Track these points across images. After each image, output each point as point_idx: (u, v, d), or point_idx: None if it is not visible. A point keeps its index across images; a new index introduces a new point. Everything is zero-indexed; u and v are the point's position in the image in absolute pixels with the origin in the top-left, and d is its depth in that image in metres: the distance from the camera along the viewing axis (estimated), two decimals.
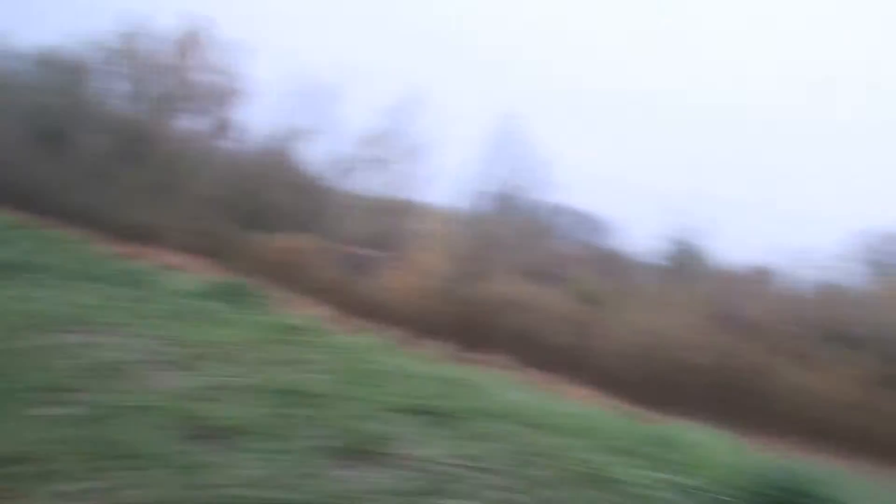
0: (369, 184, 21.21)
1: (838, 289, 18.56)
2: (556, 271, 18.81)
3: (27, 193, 20.44)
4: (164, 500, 2.51)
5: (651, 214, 19.58)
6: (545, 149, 20.29)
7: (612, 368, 17.34)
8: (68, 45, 23.83)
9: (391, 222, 20.32)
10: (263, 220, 21.28)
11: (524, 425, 4.37)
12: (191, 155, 22.39)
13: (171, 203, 21.04)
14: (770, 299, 18.12)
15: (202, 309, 7.04)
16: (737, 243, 19.51)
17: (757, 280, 18.80)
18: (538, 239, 19.50)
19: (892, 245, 20.00)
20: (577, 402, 7.46)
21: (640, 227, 20.48)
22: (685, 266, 18.81)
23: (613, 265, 19.07)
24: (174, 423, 3.30)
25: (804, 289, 18.62)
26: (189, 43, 23.70)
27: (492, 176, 20.00)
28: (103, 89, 24.14)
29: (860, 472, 14.34)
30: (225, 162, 22.67)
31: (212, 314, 6.74)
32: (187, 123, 23.89)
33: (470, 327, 18.14)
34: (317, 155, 22.49)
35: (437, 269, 19.05)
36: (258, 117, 23.74)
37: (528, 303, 18.28)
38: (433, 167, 21.67)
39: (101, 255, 13.68)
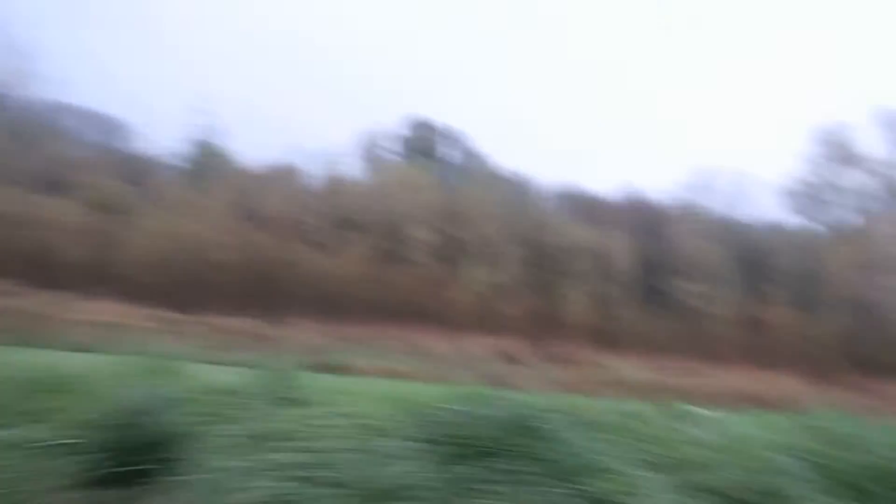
0: None
1: (345, 182, 21.52)
2: (64, 179, 16.81)
3: None
4: None
5: (173, 117, 18.93)
6: (35, 40, 17.06)
7: (140, 278, 16.80)
8: None
9: None
10: None
11: None
12: None
13: None
14: (289, 195, 19.85)
15: None
16: (258, 145, 20.65)
17: (277, 178, 20.27)
18: (37, 143, 16.76)
19: (386, 142, 24.16)
20: None
21: (161, 129, 19.45)
22: (208, 167, 18.95)
23: (133, 170, 17.92)
24: None
25: (318, 184, 20.98)
26: None
27: None
28: None
29: (367, 335, 17.54)
30: None
31: None
32: None
33: None
34: None
35: None
36: None
37: (31, 218, 16.05)
38: None
39: None
